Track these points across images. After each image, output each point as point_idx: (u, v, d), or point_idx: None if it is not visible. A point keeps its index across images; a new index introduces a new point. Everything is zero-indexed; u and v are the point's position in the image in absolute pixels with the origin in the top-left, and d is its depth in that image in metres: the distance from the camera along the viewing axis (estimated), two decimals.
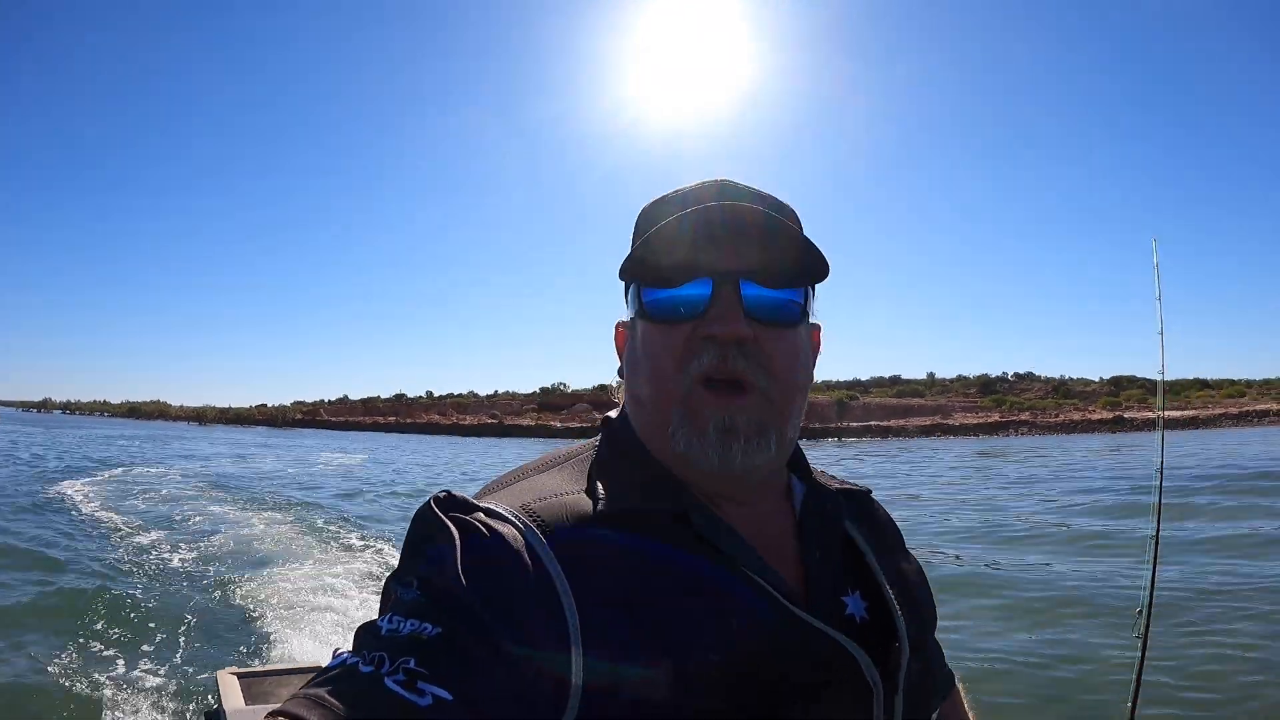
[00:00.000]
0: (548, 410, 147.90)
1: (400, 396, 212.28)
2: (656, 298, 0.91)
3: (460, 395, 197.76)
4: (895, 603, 0.94)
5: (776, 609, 0.81)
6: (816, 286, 0.98)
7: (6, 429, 64.94)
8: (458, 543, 0.74)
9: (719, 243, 0.89)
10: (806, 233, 0.93)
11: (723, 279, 0.88)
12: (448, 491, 0.84)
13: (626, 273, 0.95)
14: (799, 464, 1.05)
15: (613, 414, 1.01)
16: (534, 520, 0.79)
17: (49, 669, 7.13)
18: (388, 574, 0.82)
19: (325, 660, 0.66)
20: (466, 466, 37.18)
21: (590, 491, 0.86)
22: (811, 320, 0.98)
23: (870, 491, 1.12)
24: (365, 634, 0.70)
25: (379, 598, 0.83)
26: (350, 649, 0.70)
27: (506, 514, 0.79)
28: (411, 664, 0.64)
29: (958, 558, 12.29)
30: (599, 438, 0.97)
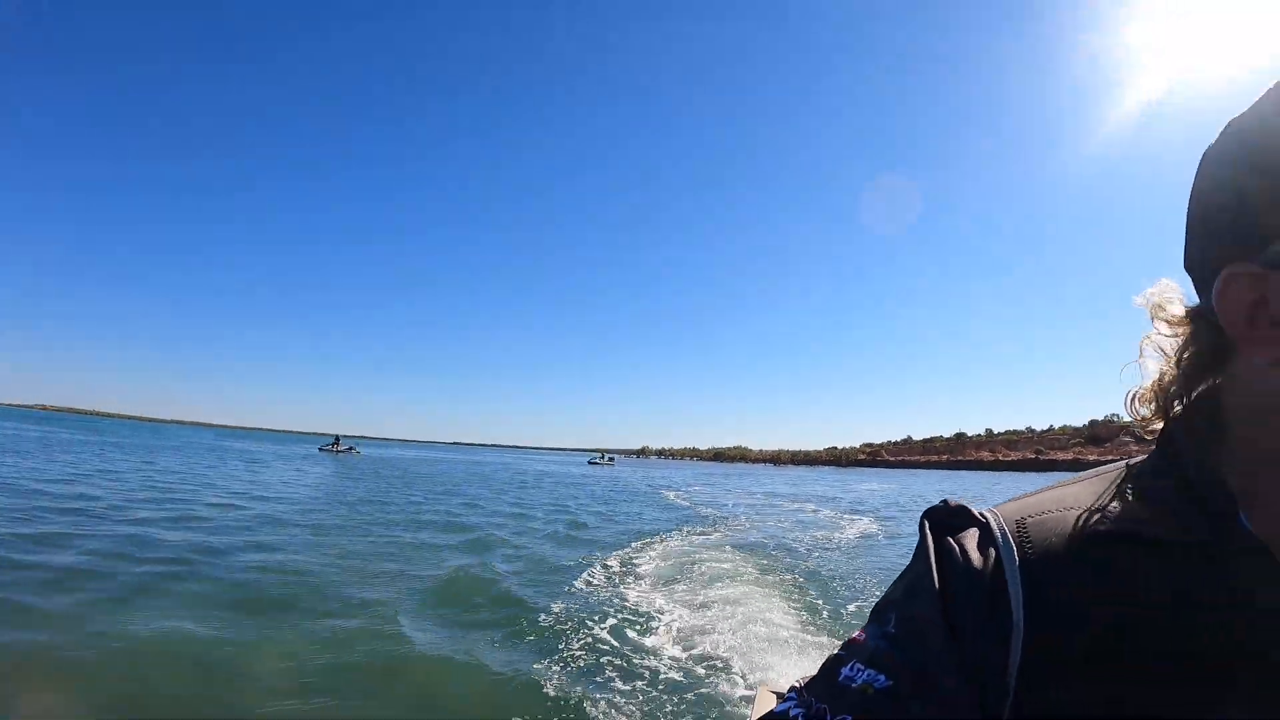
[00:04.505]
0: (1092, 444, 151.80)
1: (960, 435, 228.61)
2: None
3: (1015, 431, 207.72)
4: None
5: None
6: None
7: (630, 470, 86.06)
8: (934, 574, 0.70)
9: None
10: None
11: None
12: (944, 501, 0.78)
13: None
14: None
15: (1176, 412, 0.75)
16: (1021, 539, 0.69)
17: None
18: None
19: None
20: (940, 497, 47.18)
21: (1110, 508, 0.69)
22: None
23: None
24: (824, 677, 0.71)
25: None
26: (804, 686, 0.72)
27: (996, 532, 0.70)
28: None
29: None
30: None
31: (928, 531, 0.75)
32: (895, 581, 0.77)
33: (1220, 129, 0.68)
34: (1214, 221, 0.68)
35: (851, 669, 0.69)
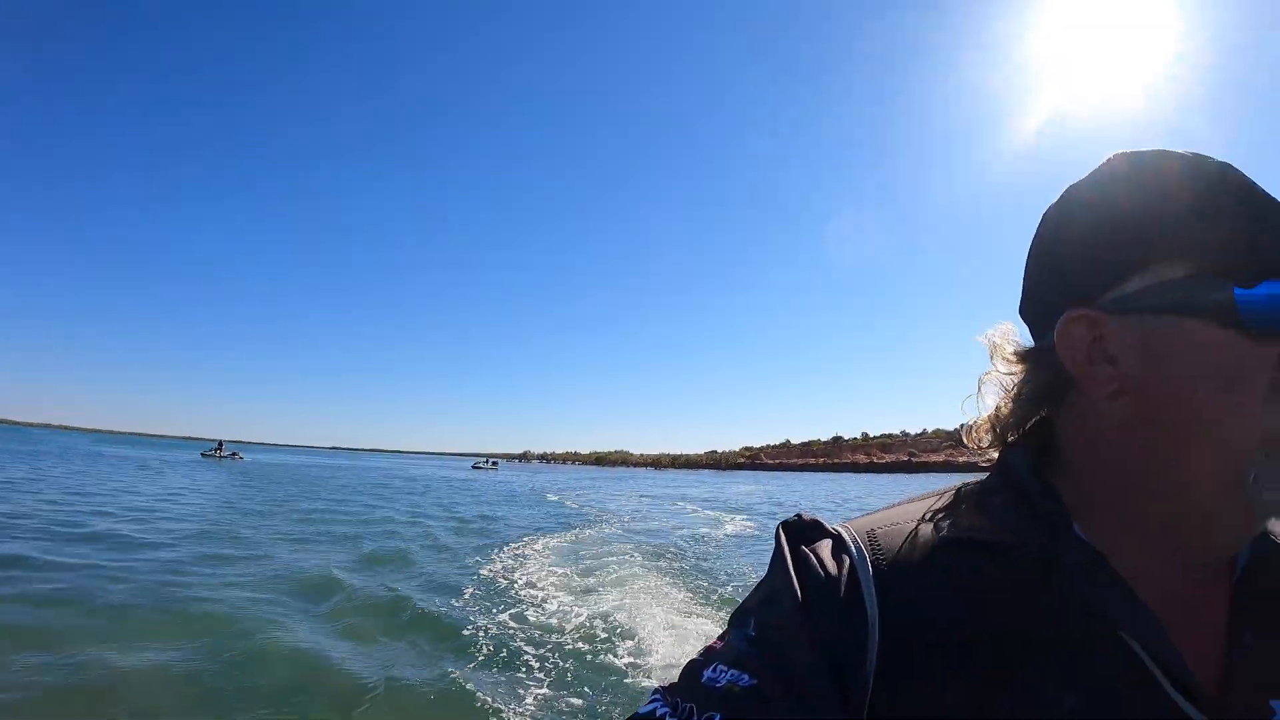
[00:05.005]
0: (962, 447, 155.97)
1: (837, 439, 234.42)
2: (1264, 298, 0.65)
3: (890, 435, 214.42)
4: None
5: (1150, 695, 0.63)
6: None
7: (513, 474, 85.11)
8: (793, 579, 0.72)
9: None
10: None
11: None
12: (798, 515, 0.81)
13: (1234, 258, 0.66)
14: None
15: (1012, 439, 0.81)
16: (875, 549, 0.73)
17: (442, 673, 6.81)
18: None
19: None
20: (814, 499, 41.29)
21: (955, 522, 0.75)
22: None
23: None
24: (687, 679, 0.71)
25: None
26: (667, 689, 0.71)
27: (849, 542, 0.75)
28: (717, 719, 0.64)
29: None
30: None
31: (784, 541, 0.78)
32: (754, 590, 0.79)
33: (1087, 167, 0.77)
34: (1056, 273, 0.76)
35: (714, 670, 0.69)
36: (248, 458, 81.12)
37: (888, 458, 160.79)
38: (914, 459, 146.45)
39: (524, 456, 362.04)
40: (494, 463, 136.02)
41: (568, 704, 6.10)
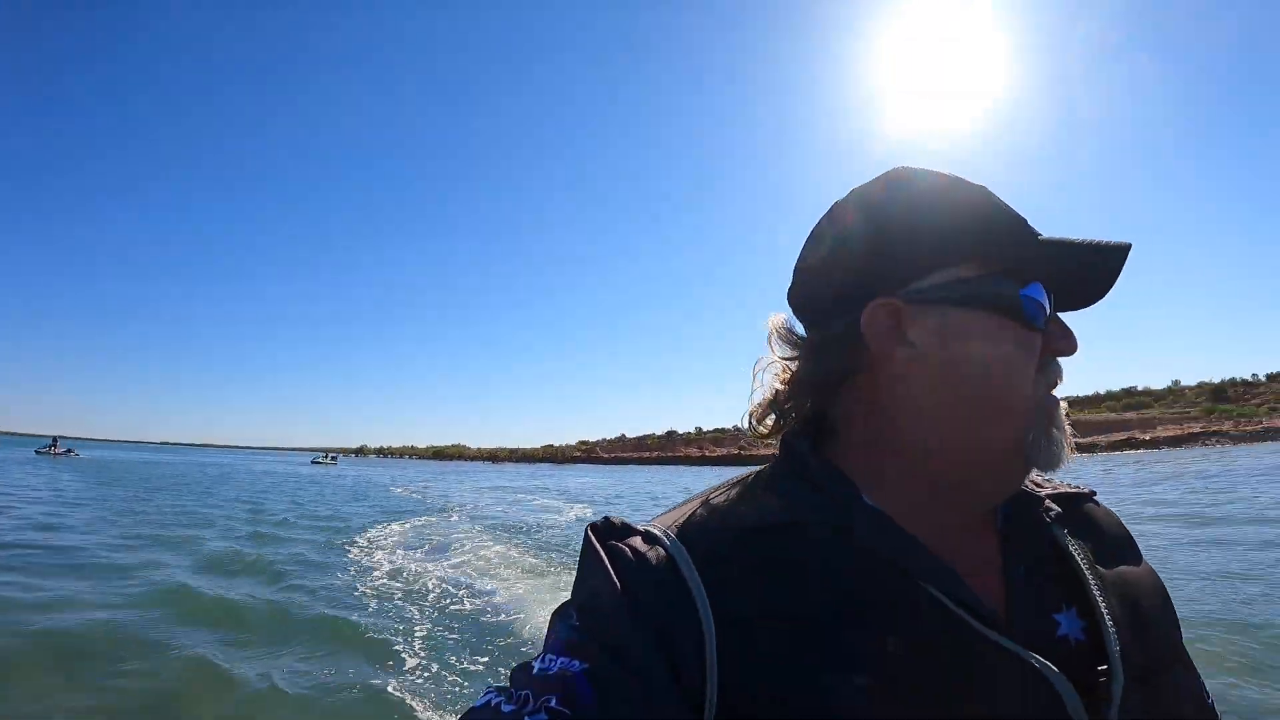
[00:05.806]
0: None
1: (671, 433, 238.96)
2: (1034, 296, 0.80)
3: (722, 430, 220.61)
4: (1110, 620, 0.78)
5: (958, 628, 0.72)
6: None
7: (354, 469, 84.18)
8: (610, 571, 0.75)
9: None
10: None
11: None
12: (605, 518, 0.84)
13: (1023, 259, 0.82)
14: None
15: (789, 430, 0.89)
16: (685, 540, 0.77)
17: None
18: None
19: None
20: (650, 487, 43.22)
21: (753, 507, 0.81)
22: None
23: (1094, 494, 0.98)
24: (519, 673, 0.72)
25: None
26: (500, 687, 0.72)
27: (659, 534, 0.78)
28: (553, 702, 0.65)
29: None
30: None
31: (594, 539, 0.81)
32: (572, 591, 0.81)
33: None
34: (853, 267, 0.83)
35: (544, 661, 0.71)
36: (83, 455, 75.60)
37: (719, 451, 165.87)
38: (744, 452, 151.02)
39: (361, 451, 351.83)
40: (333, 457, 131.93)
41: (446, 638, 7.63)
